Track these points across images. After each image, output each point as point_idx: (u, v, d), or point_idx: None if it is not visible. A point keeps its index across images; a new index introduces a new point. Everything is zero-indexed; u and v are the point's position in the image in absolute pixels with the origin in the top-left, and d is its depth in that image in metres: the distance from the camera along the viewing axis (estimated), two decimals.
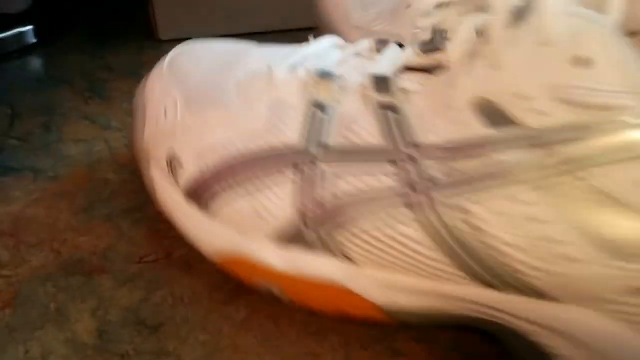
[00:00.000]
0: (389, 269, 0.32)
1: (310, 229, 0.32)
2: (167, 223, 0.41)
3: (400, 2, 0.51)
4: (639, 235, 0.25)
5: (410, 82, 0.32)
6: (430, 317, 0.33)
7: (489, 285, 0.30)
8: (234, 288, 0.37)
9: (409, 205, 0.30)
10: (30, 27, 0.65)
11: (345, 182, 0.31)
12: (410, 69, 0.32)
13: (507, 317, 0.31)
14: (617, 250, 0.26)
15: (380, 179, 0.30)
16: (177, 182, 0.36)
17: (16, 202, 0.44)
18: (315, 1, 0.57)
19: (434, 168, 0.29)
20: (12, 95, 0.56)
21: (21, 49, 0.65)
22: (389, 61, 0.33)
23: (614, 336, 0.27)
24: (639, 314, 0.26)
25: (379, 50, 0.36)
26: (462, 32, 0.30)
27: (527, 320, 0.30)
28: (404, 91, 0.31)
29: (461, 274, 0.30)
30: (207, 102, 0.37)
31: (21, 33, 0.65)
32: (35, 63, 0.63)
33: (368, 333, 0.35)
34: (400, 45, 0.35)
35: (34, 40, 0.66)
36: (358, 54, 0.36)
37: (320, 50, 0.38)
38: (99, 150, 0.49)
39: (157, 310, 0.36)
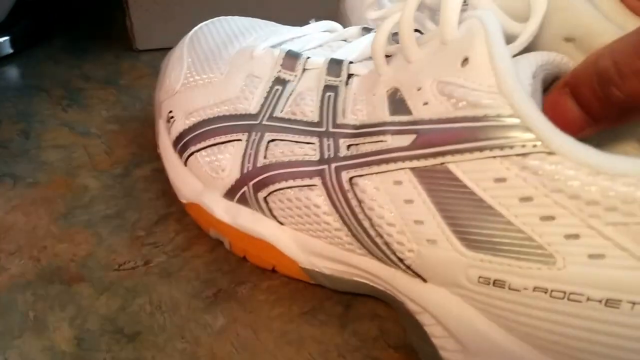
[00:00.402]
0: (305, 232, 0.36)
1: (249, 188, 0.36)
2: (146, 229, 0.42)
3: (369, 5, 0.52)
4: (489, 228, 0.27)
5: (361, 68, 0.35)
6: (343, 283, 0.37)
7: (377, 258, 0.33)
8: (212, 296, 0.37)
9: (320, 175, 0.33)
10: (6, 38, 0.65)
11: (277, 147, 0.35)
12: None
13: (397, 294, 0.33)
14: (466, 237, 0.28)
15: (305, 149, 0.34)
16: (169, 133, 0.41)
17: None
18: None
19: (343, 144, 0.33)
20: None
21: None
22: (358, 47, 0.37)
23: (469, 319, 0.29)
24: (487, 302, 0.28)
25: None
26: (381, 29, 0.32)
27: (410, 299, 0.32)
28: (350, 76, 0.35)
29: (355, 243, 0.33)
30: (203, 69, 0.41)
31: None
32: (12, 73, 0.62)
33: (347, 342, 0.35)
34: None
35: (10, 51, 0.65)
36: (345, 40, 0.40)
37: (310, 33, 0.42)
38: (78, 157, 0.49)
39: (134, 318, 0.36)
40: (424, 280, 0.31)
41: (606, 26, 0.28)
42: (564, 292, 0.25)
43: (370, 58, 0.35)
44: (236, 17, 0.47)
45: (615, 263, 0.24)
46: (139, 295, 0.37)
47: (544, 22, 0.29)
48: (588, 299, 0.25)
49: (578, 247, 0.24)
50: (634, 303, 0.24)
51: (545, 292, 0.26)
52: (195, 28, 0.46)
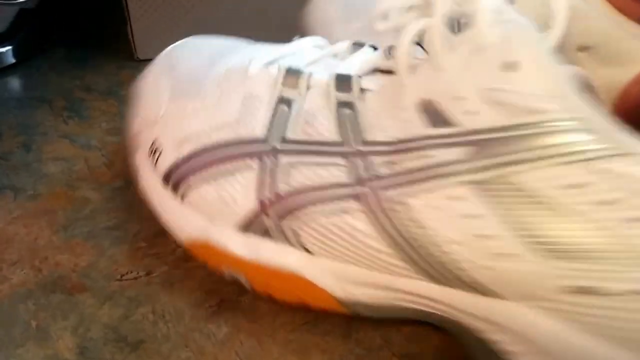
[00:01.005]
0: (341, 260, 0.33)
1: (270, 218, 0.34)
2: (147, 241, 0.42)
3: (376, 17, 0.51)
4: (570, 236, 0.26)
5: (370, 82, 0.33)
6: (385, 310, 0.34)
7: (434, 279, 0.31)
8: (216, 305, 0.37)
9: (356, 197, 0.31)
10: (8, 48, 0.64)
11: (299, 172, 0.33)
12: (379, 70, 0.34)
13: (455, 313, 0.32)
14: (549, 249, 0.27)
15: (331, 171, 0.32)
16: (155, 167, 0.38)
17: None
18: (304, 15, 0.58)
19: (379, 163, 0.31)
20: None
21: None
22: (357, 61, 0.35)
23: (555, 333, 0.28)
24: (575, 311, 0.27)
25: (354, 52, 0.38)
26: (405, 37, 0.31)
27: (474, 316, 0.31)
28: (362, 90, 0.33)
29: (406, 266, 0.31)
30: (188, 92, 0.38)
31: None
32: (14, 83, 0.62)
33: (351, 351, 0.35)
34: (375, 49, 0.36)
35: (13, 61, 0.65)
36: (335, 55, 0.38)
37: (300, 49, 0.39)
38: (78, 169, 0.49)
39: (138, 327, 0.36)
40: (494, 296, 0.29)
41: (621, 32, 0.28)
42: None
43: (371, 72, 0.34)
44: (210, 37, 0.45)
45: None
46: (141, 304, 0.37)
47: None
48: None
49: None
50: None
51: None
52: (166, 50, 0.44)
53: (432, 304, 0.32)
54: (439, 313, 0.32)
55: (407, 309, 0.33)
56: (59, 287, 0.38)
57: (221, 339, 0.35)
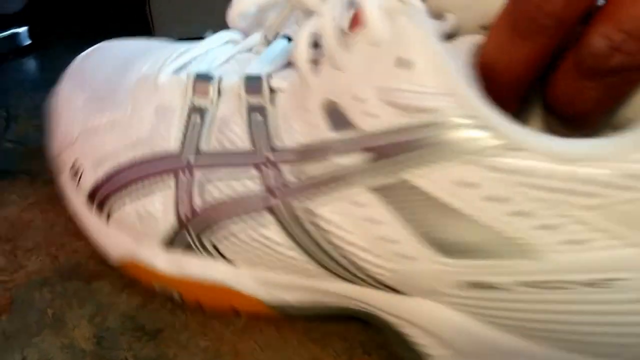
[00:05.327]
0: (263, 268, 0.33)
1: (190, 234, 0.33)
2: None
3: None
4: (461, 234, 0.26)
5: (281, 80, 0.32)
6: (312, 309, 0.34)
7: (350, 280, 0.31)
8: None
9: (270, 209, 0.31)
10: (24, 28, 0.65)
11: (214, 186, 0.32)
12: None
13: (373, 309, 0.32)
14: (443, 247, 0.27)
15: (245, 183, 0.31)
16: (79, 188, 0.37)
17: (12, 206, 0.44)
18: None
19: (288, 172, 0.30)
20: (7, 97, 0.56)
21: (15, 49, 0.64)
22: (270, 57, 0.34)
23: (459, 326, 0.29)
24: (474, 305, 0.28)
25: (270, 44, 0.36)
26: (300, 37, 0.30)
27: (389, 313, 0.31)
28: (272, 91, 0.31)
29: (323, 271, 0.31)
30: (103, 104, 0.36)
31: (15, 34, 0.64)
32: (30, 64, 0.62)
33: (372, 339, 0.34)
34: (290, 40, 0.35)
35: (29, 41, 0.65)
36: (250, 50, 0.37)
37: (212, 48, 0.37)
38: None
39: (156, 315, 0.36)
40: (402, 293, 0.30)
41: None
42: (550, 282, 0.25)
43: (286, 66, 0.33)
44: (124, 40, 0.43)
45: (596, 245, 0.24)
46: (159, 292, 0.37)
47: (463, 18, 0.28)
48: (575, 284, 0.25)
49: (555, 235, 0.24)
50: (619, 279, 0.24)
51: (533, 286, 0.25)
52: (77, 60, 0.42)
53: (353, 302, 0.32)
54: (362, 309, 0.33)
55: (333, 307, 0.34)
56: (76, 275, 0.38)
57: (240, 327, 0.35)
